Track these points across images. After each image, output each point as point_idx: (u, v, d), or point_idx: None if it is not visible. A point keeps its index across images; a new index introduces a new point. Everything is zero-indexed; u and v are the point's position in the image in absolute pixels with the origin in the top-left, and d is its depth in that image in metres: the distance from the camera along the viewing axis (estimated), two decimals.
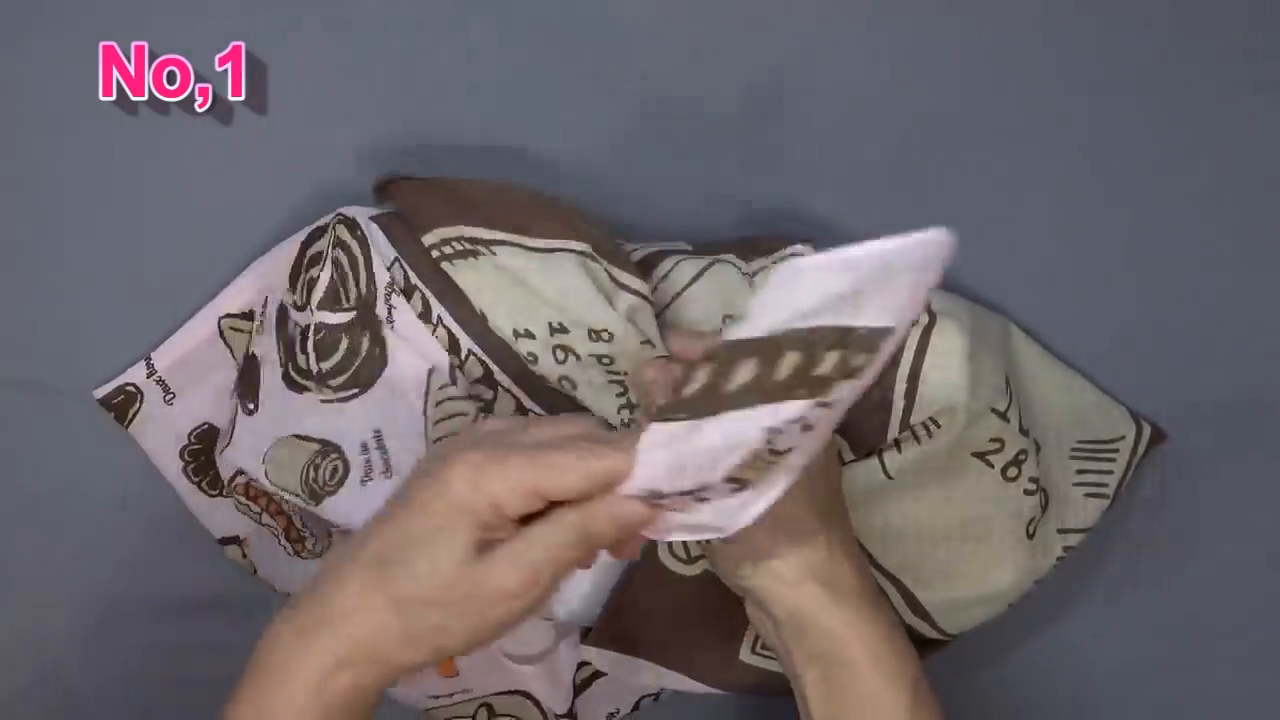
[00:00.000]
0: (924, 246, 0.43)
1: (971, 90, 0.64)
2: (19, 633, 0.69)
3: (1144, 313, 0.66)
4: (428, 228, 0.60)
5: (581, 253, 0.58)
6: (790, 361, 0.45)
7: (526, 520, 0.49)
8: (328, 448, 0.60)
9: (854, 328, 0.43)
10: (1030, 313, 0.65)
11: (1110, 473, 0.64)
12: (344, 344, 0.59)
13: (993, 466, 0.60)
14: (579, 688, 0.65)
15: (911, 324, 0.46)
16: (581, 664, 0.64)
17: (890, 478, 0.59)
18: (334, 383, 0.60)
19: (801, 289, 0.45)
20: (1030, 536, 0.61)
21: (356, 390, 0.60)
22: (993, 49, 0.64)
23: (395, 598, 0.48)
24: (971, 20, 0.64)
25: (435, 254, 0.59)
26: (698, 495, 0.48)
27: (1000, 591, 0.61)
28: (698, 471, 0.47)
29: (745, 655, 0.61)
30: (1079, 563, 0.64)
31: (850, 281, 0.44)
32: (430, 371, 0.60)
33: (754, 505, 0.47)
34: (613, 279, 0.58)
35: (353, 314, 0.59)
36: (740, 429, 0.45)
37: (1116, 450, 0.64)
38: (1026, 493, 0.60)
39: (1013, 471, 0.60)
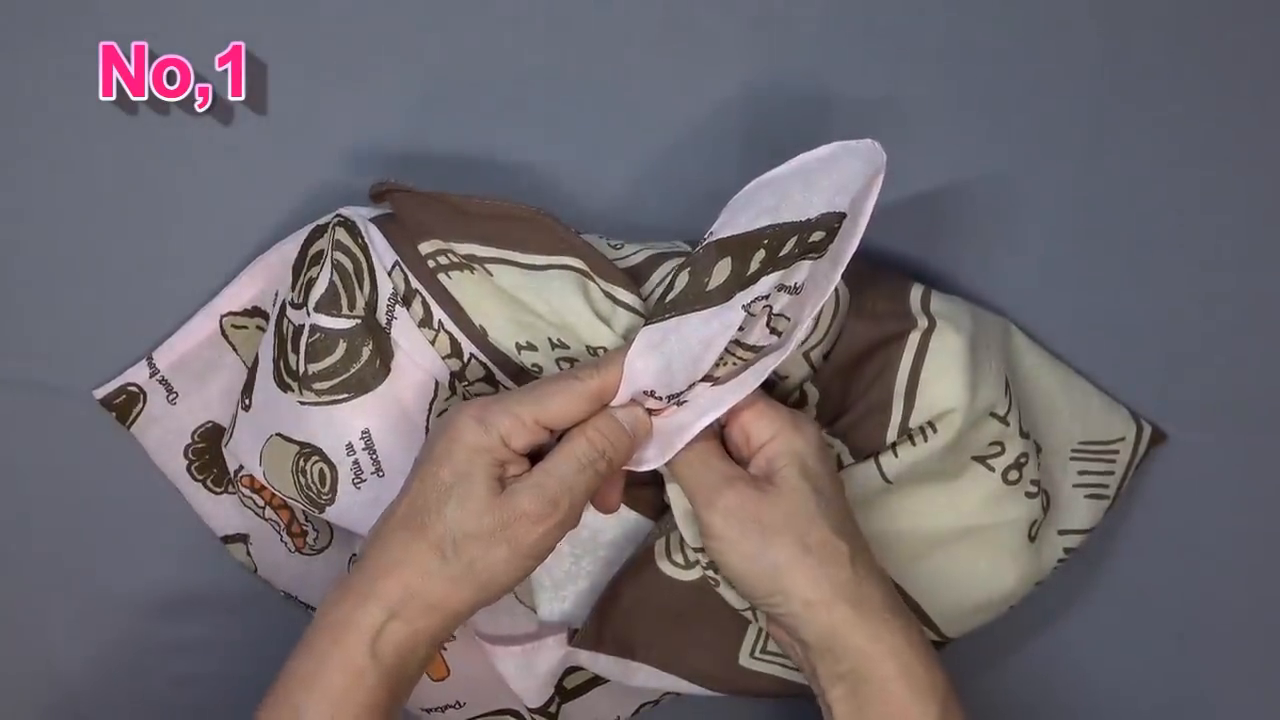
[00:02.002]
0: (856, 148, 0.54)
1: (972, 89, 0.64)
2: (19, 632, 0.69)
3: (1144, 313, 0.66)
4: (424, 237, 0.60)
5: (577, 269, 0.58)
6: (759, 255, 0.53)
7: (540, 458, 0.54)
8: (307, 449, 0.60)
9: (810, 218, 0.52)
10: (1030, 313, 0.65)
11: (1111, 474, 0.64)
12: (341, 348, 0.59)
13: (993, 470, 0.60)
14: (573, 692, 0.64)
15: (869, 212, 0.54)
16: (575, 669, 0.63)
17: (889, 482, 0.59)
18: (319, 386, 0.59)
19: (760, 200, 0.54)
20: (1032, 539, 0.61)
21: (347, 395, 0.59)
22: (994, 46, 0.64)
23: (434, 542, 0.52)
24: (972, 17, 0.64)
25: (431, 264, 0.59)
26: (679, 399, 0.54)
27: (1002, 595, 0.61)
28: (682, 371, 0.53)
29: (745, 660, 0.61)
30: (1079, 563, 0.64)
31: (800, 183, 0.53)
32: (435, 387, 0.60)
33: (727, 399, 0.54)
34: (610, 297, 0.57)
35: (356, 321, 0.59)
36: (723, 315, 0.52)
37: (1117, 451, 0.64)
38: (1028, 495, 0.60)
39: (1014, 475, 0.60)
